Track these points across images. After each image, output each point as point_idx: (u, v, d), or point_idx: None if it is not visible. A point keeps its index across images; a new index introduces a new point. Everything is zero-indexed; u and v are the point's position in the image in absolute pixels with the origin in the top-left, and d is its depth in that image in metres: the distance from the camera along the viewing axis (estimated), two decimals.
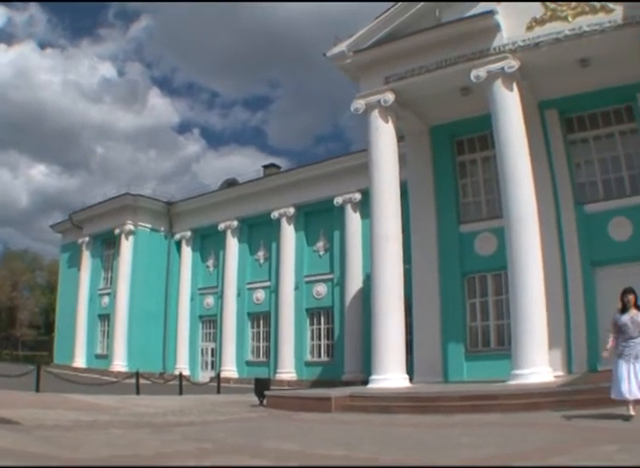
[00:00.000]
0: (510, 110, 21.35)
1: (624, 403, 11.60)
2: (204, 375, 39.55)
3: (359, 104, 23.94)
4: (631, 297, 11.87)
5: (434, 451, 9.42)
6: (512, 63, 21.34)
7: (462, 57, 22.21)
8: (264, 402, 20.41)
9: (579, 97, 23.48)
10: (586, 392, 14.97)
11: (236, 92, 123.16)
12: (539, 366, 18.98)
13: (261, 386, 21.44)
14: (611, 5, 20.28)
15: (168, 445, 10.46)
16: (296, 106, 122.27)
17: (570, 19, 20.83)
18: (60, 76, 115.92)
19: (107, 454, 9.15)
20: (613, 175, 23.53)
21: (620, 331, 11.85)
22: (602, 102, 23.55)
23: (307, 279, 36.49)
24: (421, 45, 22.80)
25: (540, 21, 21.36)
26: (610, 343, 12.09)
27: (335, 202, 34.84)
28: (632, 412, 11.32)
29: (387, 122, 23.68)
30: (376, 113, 23.59)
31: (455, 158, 26.39)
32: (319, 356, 35.73)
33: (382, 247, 22.44)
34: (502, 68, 21.40)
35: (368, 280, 27.38)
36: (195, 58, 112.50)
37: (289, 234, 37.23)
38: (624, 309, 11.92)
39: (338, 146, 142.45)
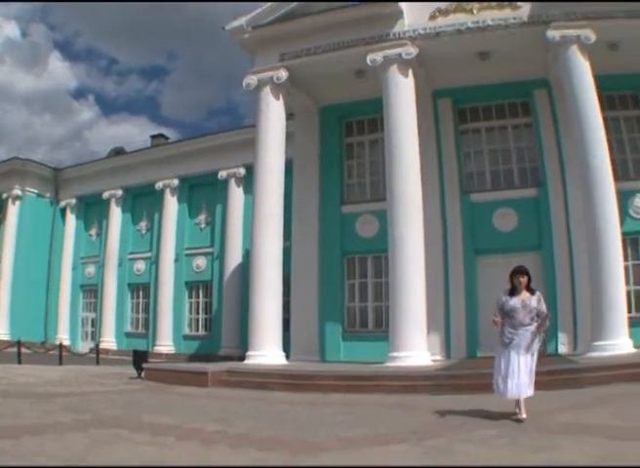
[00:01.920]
0: (403, 96, 20.76)
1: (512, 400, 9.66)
2: (84, 346, 37.13)
3: (251, 80, 22.70)
4: (523, 280, 9.71)
5: (310, 429, 9.09)
6: (410, 50, 20.81)
7: (361, 40, 21.48)
8: (142, 374, 19.71)
9: (474, 89, 23.37)
10: (465, 377, 14.73)
11: (134, 60, 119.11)
12: (417, 349, 18.64)
13: (139, 358, 20.75)
14: (519, 3, 20.11)
15: (48, 415, 10.31)
16: (192, 79, 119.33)
17: (475, 11, 20.65)
18: None
19: None
20: (502, 167, 23.57)
21: (508, 317, 9.66)
22: (498, 96, 23.54)
23: (188, 251, 34.75)
24: (320, 25, 21.90)
25: (445, 12, 21.03)
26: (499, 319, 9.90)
27: (219, 176, 33.33)
28: (524, 415, 9.19)
29: (278, 99, 22.64)
30: (267, 90, 22.50)
31: (342, 139, 25.60)
32: (197, 330, 34.19)
33: (263, 224, 21.55)
34: (400, 54, 20.83)
35: (247, 255, 26.40)
36: (97, 24, 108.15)
37: (172, 206, 35.38)
38: (513, 291, 9.77)
39: (230, 120, 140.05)
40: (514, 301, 9.61)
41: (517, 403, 9.42)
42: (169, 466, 6.59)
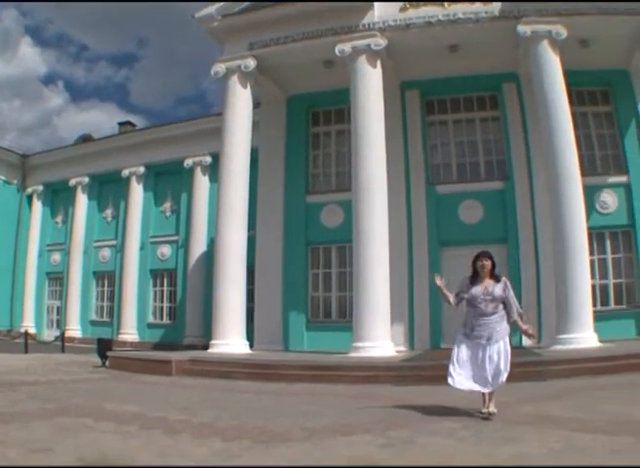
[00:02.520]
0: (371, 87, 20.46)
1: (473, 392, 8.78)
2: (49, 334, 36.26)
3: (219, 68, 22.29)
4: (487, 263, 8.75)
5: (273, 419, 8.91)
6: (379, 42, 20.50)
7: (330, 30, 21.13)
8: (107, 363, 19.46)
9: (443, 81, 23.26)
10: (429, 368, 14.48)
11: (105, 47, 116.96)
12: (380, 340, 18.47)
13: (104, 347, 20.61)
14: None
15: (14, 404, 10.32)
16: (162, 66, 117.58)
17: (446, 4, 20.50)
18: None
19: None
20: (469, 160, 23.37)
21: (470, 306, 8.78)
22: (466, 88, 23.51)
23: (153, 240, 34.06)
24: (290, 15, 21.63)
25: (415, 4, 20.81)
26: (449, 294, 9.03)
27: (185, 164, 32.61)
28: (492, 409, 8.44)
29: (245, 88, 22.21)
30: (235, 78, 22.08)
31: (309, 129, 25.21)
32: (161, 318, 33.62)
33: (228, 212, 21.21)
34: (369, 45, 20.52)
35: (212, 244, 25.76)
36: (69, 10, 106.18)
37: (137, 193, 34.59)
38: (475, 278, 8.84)
39: (199, 108, 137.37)
40: (476, 290, 8.71)
41: (483, 397, 8.61)
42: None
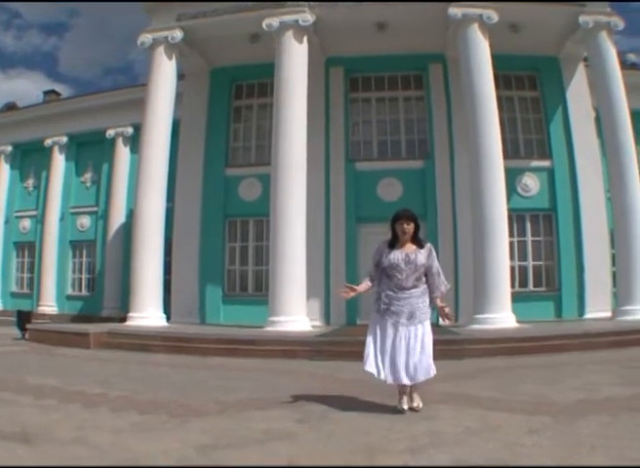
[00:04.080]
0: (296, 62, 19.75)
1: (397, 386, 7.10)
2: None
3: (146, 38, 21.23)
4: (408, 227, 7.01)
5: (188, 392, 9.01)
6: (308, 17, 19.81)
7: (259, 4, 20.27)
8: (27, 335, 19.35)
9: (368, 59, 22.66)
10: (344, 344, 14.40)
11: (37, 14, 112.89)
12: (296, 314, 18.07)
13: (24, 319, 20.40)
14: None
15: None
16: (91, 36, 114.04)
17: None
18: None
19: None
20: (390, 138, 22.91)
21: (386, 276, 7.03)
22: (392, 67, 23.03)
23: (73, 210, 32.65)
24: None
25: None
26: (363, 285, 7.30)
27: (107, 134, 31.24)
28: (405, 406, 6.93)
29: (171, 59, 21.28)
30: (161, 49, 21.10)
31: (231, 102, 24.32)
32: (80, 290, 32.46)
33: (148, 184, 20.37)
34: (297, 21, 19.83)
35: (131, 215, 24.63)
36: None
37: (59, 163, 32.98)
38: (394, 243, 7.12)
39: (126, 79, 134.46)
40: (395, 256, 6.97)
41: (399, 389, 7.04)
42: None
